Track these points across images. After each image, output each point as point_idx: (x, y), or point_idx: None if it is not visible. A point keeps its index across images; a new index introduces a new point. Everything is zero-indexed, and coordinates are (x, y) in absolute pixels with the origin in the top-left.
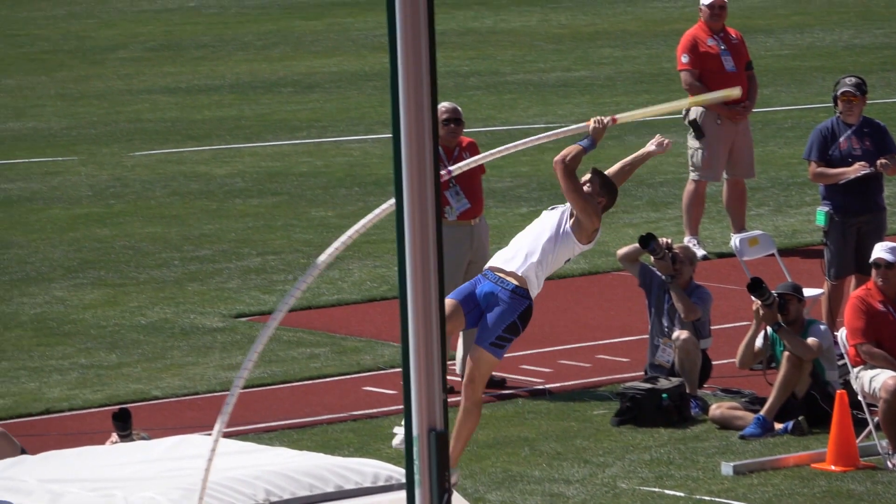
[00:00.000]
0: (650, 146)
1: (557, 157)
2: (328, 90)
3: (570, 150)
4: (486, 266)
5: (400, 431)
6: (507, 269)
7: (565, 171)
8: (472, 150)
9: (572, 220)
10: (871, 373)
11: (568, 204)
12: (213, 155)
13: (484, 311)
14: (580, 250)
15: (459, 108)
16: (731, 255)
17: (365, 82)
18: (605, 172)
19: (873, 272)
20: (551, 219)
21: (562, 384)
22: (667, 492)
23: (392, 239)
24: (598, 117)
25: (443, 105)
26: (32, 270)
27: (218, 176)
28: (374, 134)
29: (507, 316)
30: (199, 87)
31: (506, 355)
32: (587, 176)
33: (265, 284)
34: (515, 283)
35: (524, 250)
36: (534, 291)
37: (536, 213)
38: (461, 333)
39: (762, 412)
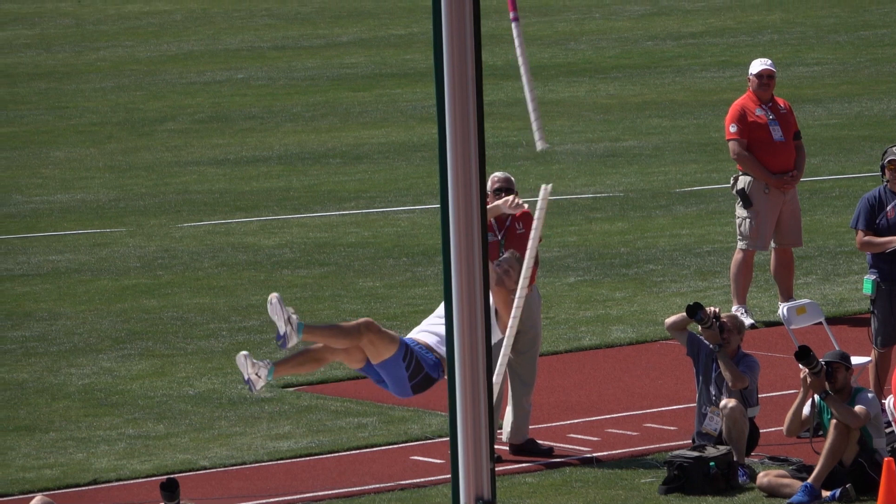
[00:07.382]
0: (500, 203)
1: (503, 280)
2: (376, 161)
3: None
4: (415, 338)
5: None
6: (437, 351)
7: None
8: (526, 220)
9: (496, 315)
10: None
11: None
12: (260, 226)
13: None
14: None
15: (512, 178)
16: (778, 323)
17: (413, 153)
18: None
19: None
20: None
21: (609, 452)
22: None
23: None
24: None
25: (495, 175)
26: (80, 341)
27: (266, 247)
28: (422, 204)
29: (425, 367)
30: (248, 159)
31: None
32: (508, 257)
33: None
34: (439, 360)
35: None
36: None
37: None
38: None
39: (810, 480)
